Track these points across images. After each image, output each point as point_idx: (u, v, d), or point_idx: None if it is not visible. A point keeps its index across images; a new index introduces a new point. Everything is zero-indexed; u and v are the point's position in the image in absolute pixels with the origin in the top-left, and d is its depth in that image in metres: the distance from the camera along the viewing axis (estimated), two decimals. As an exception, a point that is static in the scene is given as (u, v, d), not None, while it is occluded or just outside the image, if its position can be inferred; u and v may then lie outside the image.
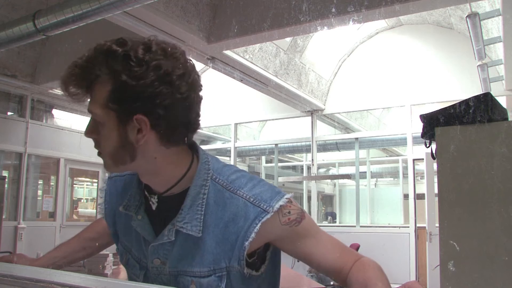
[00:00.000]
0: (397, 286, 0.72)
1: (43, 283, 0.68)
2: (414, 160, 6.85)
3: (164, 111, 0.80)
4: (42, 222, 6.83)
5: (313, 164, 7.82)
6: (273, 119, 8.56)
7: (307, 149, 8.38)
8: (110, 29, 4.32)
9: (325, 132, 8.49)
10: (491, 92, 1.95)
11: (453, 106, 1.94)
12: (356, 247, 5.64)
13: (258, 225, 0.85)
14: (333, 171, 12.25)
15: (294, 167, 12.20)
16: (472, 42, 4.70)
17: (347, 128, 8.55)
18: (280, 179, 8.74)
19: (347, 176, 9.66)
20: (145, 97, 0.79)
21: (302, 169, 11.45)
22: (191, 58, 0.86)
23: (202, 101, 0.88)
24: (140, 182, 0.95)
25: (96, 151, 0.87)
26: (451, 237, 1.85)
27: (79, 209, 8.52)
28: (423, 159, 6.05)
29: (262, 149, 9.35)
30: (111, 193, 1.03)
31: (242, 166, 10.41)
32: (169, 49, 0.83)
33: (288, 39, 6.41)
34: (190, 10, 4.60)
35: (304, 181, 9.27)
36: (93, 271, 3.41)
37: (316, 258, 0.90)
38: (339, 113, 7.96)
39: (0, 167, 6.64)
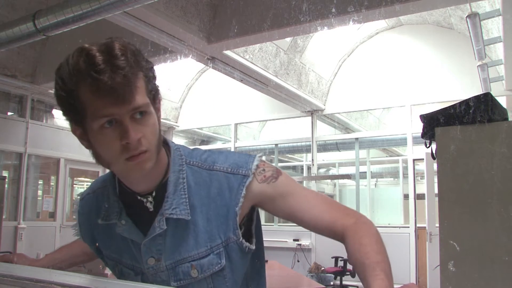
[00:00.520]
0: (397, 286, 0.72)
1: (43, 283, 0.68)
2: (414, 160, 6.85)
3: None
4: (42, 222, 6.83)
5: (313, 164, 7.82)
6: (273, 119, 8.56)
7: (307, 149, 8.37)
8: (110, 29, 4.32)
9: (325, 132, 8.48)
10: (491, 92, 1.95)
11: (453, 106, 1.93)
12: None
13: (243, 190, 0.89)
14: (333, 171, 12.25)
15: (294, 167, 12.18)
16: (472, 42, 4.70)
17: (347, 128, 8.54)
18: (280, 179, 8.70)
19: (347, 176, 9.65)
20: (155, 82, 0.87)
21: (302, 169, 11.43)
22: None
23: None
24: (115, 190, 0.94)
25: None
26: (451, 237, 1.85)
27: (79, 209, 8.51)
28: (423, 159, 6.05)
29: (262, 149, 9.33)
30: (84, 213, 1.03)
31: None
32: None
33: (288, 39, 6.41)
34: (190, 10, 4.60)
35: (304, 181, 9.24)
36: (93, 271, 3.40)
37: (301, 215, 0.91)
38: (339, 113, 7.96)
39: (0, 167, 6.64)
